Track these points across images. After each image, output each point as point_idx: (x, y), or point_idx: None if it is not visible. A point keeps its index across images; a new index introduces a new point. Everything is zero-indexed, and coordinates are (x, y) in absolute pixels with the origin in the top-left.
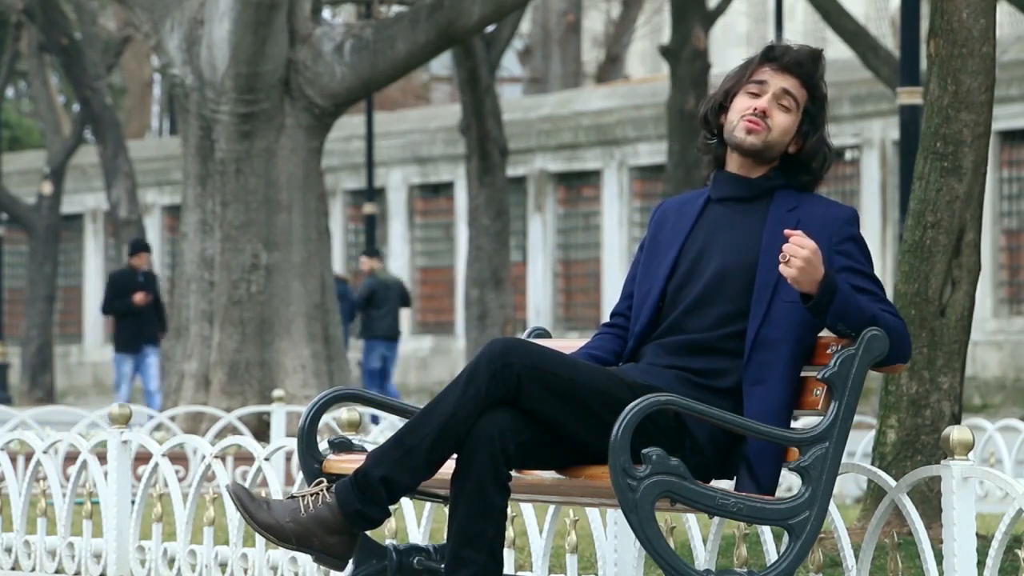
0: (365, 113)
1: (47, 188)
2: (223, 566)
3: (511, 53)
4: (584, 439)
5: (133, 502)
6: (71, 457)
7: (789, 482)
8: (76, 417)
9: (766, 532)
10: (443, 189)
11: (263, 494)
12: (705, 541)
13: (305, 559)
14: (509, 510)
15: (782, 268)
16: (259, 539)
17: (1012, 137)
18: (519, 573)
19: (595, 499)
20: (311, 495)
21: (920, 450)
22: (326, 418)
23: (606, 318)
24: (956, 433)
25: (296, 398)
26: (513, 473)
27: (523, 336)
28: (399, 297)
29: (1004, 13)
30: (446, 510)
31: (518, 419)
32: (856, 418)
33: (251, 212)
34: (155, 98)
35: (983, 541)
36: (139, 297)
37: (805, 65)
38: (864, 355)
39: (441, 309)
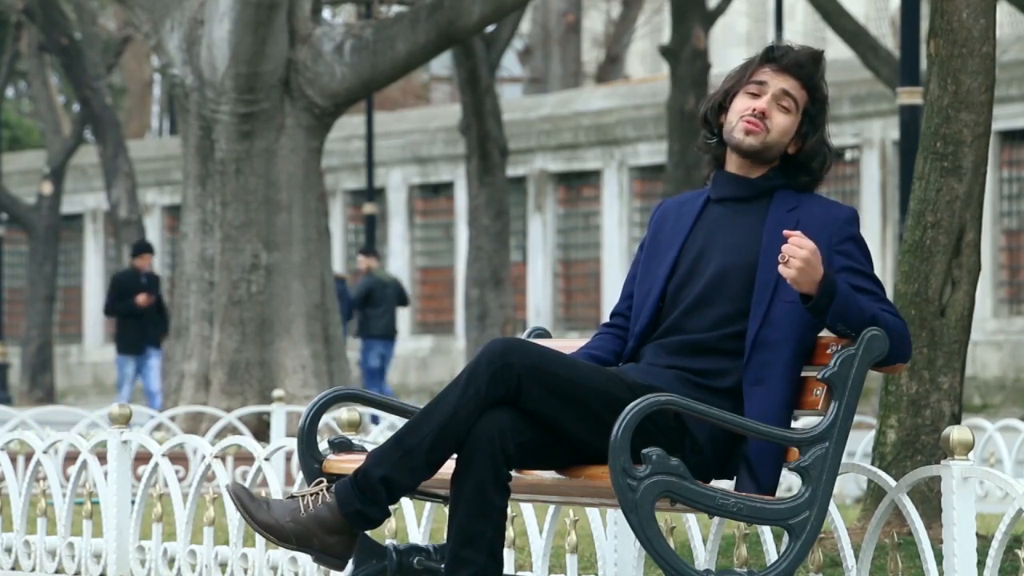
0: (365, 113)
1: (47, 188)
2: (223, 566)
3: (511, 53)
4: (584, 439)
5: (133, 502)
6: (71, 457)
7: (789, 482)
8: (76, 417)
9: (766, 532)
10: (443, 189)
11: (263, 494)
12: (705, 541)
13: (305, 559)
14: (509, 510)
15: (781, 269)
16: (259, 539)
17: (1012, 137)
18: (519, 573)
19: (595, 499)
20: (311, 495)
21: (920, 450)
22: (326, 418)
23: (606, 318)
24: (956, 433)
25: (296, 398)
26: (513, 473)
27: (523, 336)
28: (396, 296)
29: (1004, 13)
30: (446, 510)
31: (518, 419)
32: (856, 418)
33: (251, 212)
34: (155, 98)
35: (983, 541)
36: (142, 299)
37: (805, 66)
38: (864, 355)
39: (441, 309)
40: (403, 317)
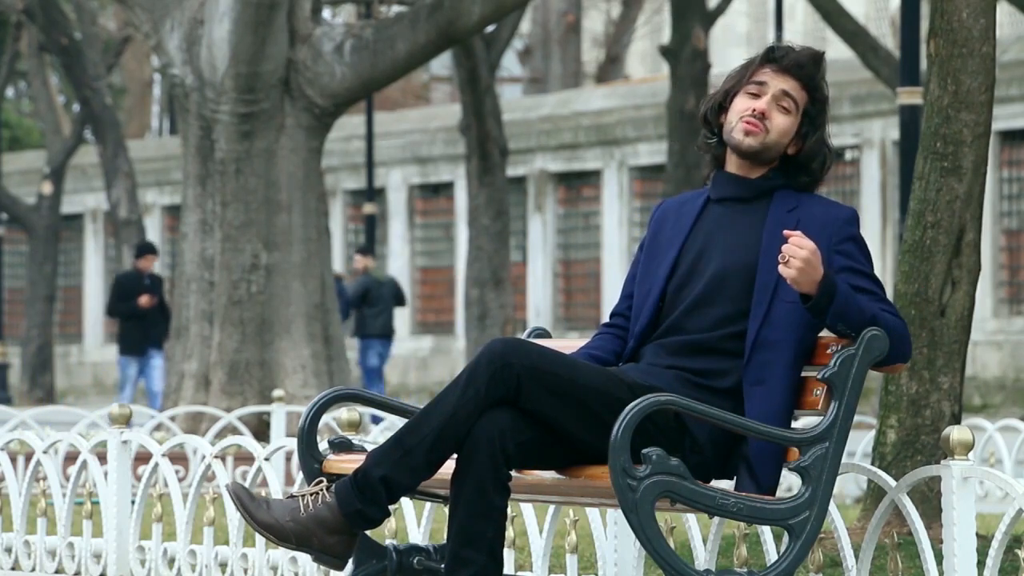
0: (365, 113)
1: (47, 188)
2: (223, 566)
3: (511, 53)
4: (584, 439)
5: (133, 502)
6: (71, 457)
7: (789, 482)
8: (76, 417)
9: (766, 532)
10: (443, 189)
11: (263, 494)
12: (705, 541)
13: (305, 559)
14: (509, 510)
15: (781, 269)
16: (259, 539)
17: (1012, 137)
18: (519, 573)
19: (595, 499)
20: (311, 495)
21: (920, 450)
22: (326, 418)
23: (606, 318)
24: (956, 433)
25: (296, 398)
26: (513, 473)
27: (523, 336)
28: (393, 296)
29: (1004, 13)
30: (446, 510)
31: (518, 419)
32: (856, 418)
33: (251, 212)
34: (155, 98)
35: (983, 541)
36: (144, 300)
37: (806, 67)
38: (864, 355)
39: (441, 309)
40: (403, 317)
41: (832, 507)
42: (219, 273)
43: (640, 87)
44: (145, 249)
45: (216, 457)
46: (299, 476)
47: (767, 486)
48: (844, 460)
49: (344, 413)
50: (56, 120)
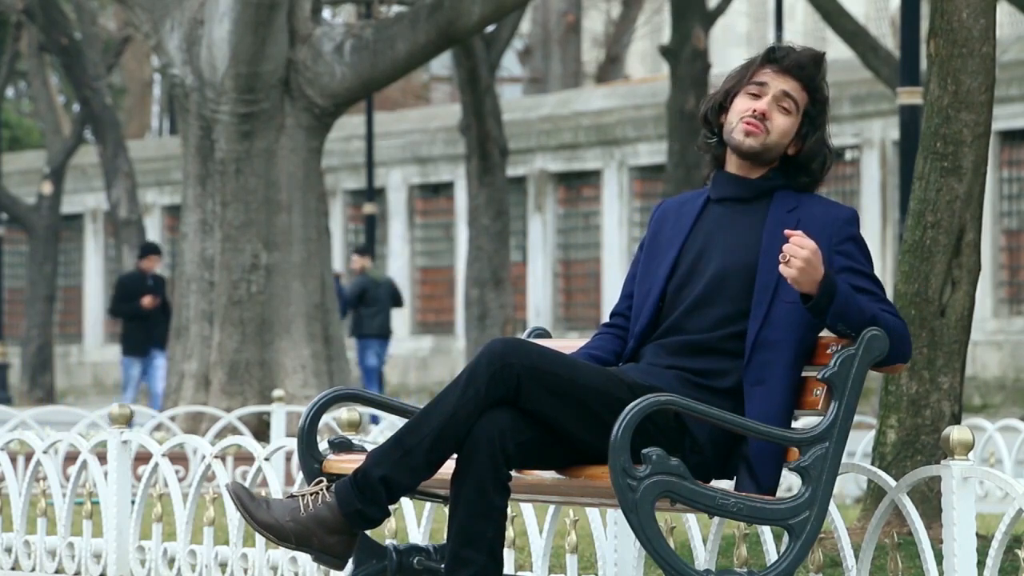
0: (365, 113)
1: (47, 188)
2: (223, 566)
3: (511, 53)
4: (584, 439)
5: (133, 502)
6: (71, 457)
7: (789, 482)
8: (76, 417)
9: (766, 532)
10: (443, 189)
11: (263, 494)
12: (705, 541)
13: (305, 559)
14: (509, 510)
15: (782, 268)
16: (259, 539)
17: (1012, 137)
18: (519, 573)
19: (595, 499)
20: (311, 495)
21: (920, 450)
22: (326, 418)
23: (606, 318)
24: (956, 433)
25: (296, 398)
26: (513, 473)
27: (523, 336)
28: (390, 297)
29: (1004, 13)
30: (446, 510)
31: (518, 419)
32: (856, 418)
33: (251, 212)
34: (155, 98)
35: (983, 541)
36: (147, 301)
37: (806, 67)
38: (864, 355)
39: (441, 309)
40: (403, 317)
41: (832, 507)
42: (219, 273)
43: (640, 87)
44: (148, 249)
45: (216, 457)
46: (299, 476)
47: (767, 486)
48: (844, 460)
49: (344, 413)
50: (56, 120)
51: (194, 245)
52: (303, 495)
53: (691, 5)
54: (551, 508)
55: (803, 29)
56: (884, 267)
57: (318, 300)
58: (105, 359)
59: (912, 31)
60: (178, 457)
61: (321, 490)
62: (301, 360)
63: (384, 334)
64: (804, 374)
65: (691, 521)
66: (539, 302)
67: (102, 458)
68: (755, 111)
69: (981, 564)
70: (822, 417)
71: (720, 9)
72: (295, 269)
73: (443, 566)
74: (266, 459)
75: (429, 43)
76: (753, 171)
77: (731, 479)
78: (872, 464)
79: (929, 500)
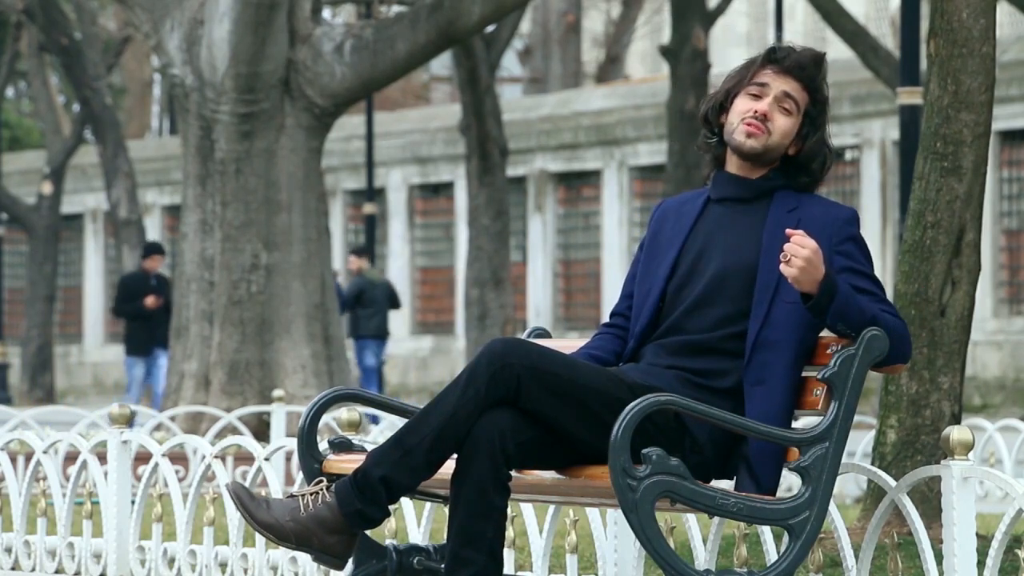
0: (365, 113)
1: (47, 188)
2: (223, 566)
3: (511, 53)
4: (584, 439)
5: (133, 502)
6: (71, 457)
7: (789, 482)
8: (76, 417)
9: (766, 532)
10: (443, 189)
11: (263, 494)
12: (705, 541)
13: (305, 559)
14: (509, 510)
15: (783, 267)
16: (259, 539)
17: (1012, 137)
18: (519, 573)
19: (595, 499)
20: (311, 495)
21: (920, 450)
22: (326, 418)
23: (606, 318)
24: (956, 433)
25: (296, 398)
26: (513, 473)
27: (523, 336)
28: (387, 298)
29: (1004, 13)
30: (446, 510)
31: (518, 419)
32: (856, 418)
33: (251, 212)
34: (155, 98)
35: (983, 541)
36: (150, 300)
37: (807, 68)
38: (864, 355)
39: (441, 309)
40: (403, 317)
41: (832, 507)
42: (219, 273)
43: (640, 87)
44: (152, 249)
45: (216, 457)
46: (299, 476)
47: (767, 486)
48: (844, 460)
49: (344, 413)
50: (56, 120)
51: (194, 245)
52: (303, 495)
53: (691, 5)
54: (551, 508)
55: (803, 29)
56: (884, 267)
57: (318, 300)
58: (105, 359)
59: (912, 31)
60: (178, 457)
61: (321, 490)
62: (301, 360)
63: (381, 335)
64: (804, 374)
65: (691, 521)
66: (539, 302)
67: (102, 458)
68: (756, 112)
69: (981, 564)
70: (822, 417)
71: (720, 9)
72: (295, 269)
73: (443, 566)
74: (266, 459)
75: (429, 43)
76: (753, 171)
77: (731, 479)
78: (872, 464)
79: (929, 500)
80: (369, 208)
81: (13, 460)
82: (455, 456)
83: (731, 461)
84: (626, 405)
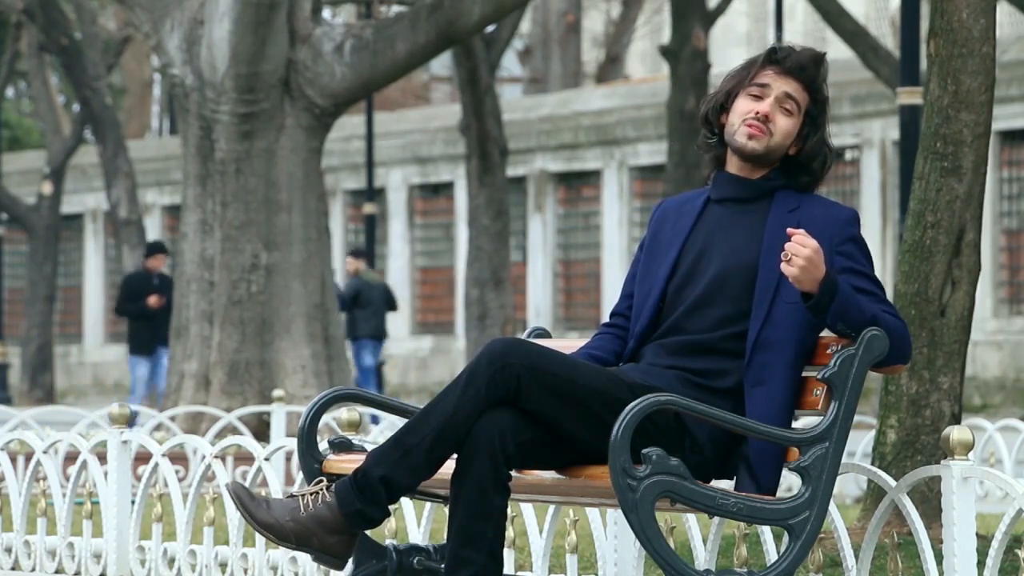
0: (365, 113)
1: (47, 188)
2: (223, 566)
3: (511, 53)
4: (584, 439)
5: (133, 502)
6: (71, 457)
7: (789, 482)
8: (76, 417)
9: (766, 532)
10: (443, 189)
11: (263, 494)
12: (705, 541)
13: (305, 559)
14: (509, 510)
15: (783, 267)
16: (259, 539)
17: (1012, 137)
18: (519, 573)
19: (595, 499)
20: (311, 495)
21: (920, 450)
22: (326, 418)
23: (606, 318)
24: (956, 433)
25: (296, 398)
26: (513, 473)
27: (523, 336)
28: (384, 299)
29: (1004, 13)
30: (446, 510)
31: (518, 419)
32: (856, 418)
33: (251, 212)
34: (155, 98)
35: (983, 541)
36: (153, 300)
37: (808, 68)
38: (864, 355)
39: (441, 309)
40: (403, 317)
41: (832, 507)
42: (219, 273)
43: (640, 87)
44: (155, 248)
45: (216, 457)
46: (299, 476)
47: (767, 486)
48: (844, 460)
49: (344, 413)
50: (56, 120)
51: (194, 245)
52: (303, 495)
53: (691, 5)
54: (551, 508)
55: (803, 29)
56: (884, 267)
57: (318, 300)
58: (105, 359)
59: (912, 31)
60: (178, 457)
61: (321, 490)
62: (301, 360)
63: (378, 336)
64: (804, 374)
65: (691, 521)
66: (539, 302)
67: (102, 458)
68: (758, 113)
69: (981, 564)
70: (822, 417)
71: (720, 9)
72: (295, 269)
73: (443, 566)
74: (266, 459)
75: (429, 43)
76: (754, 172)
77: (731, 479)
78: (872, 464)
79: (929, 500)
80: (369, 208)
81: (13, 460)
82: (455, 456)
83: (731, 461)
84: (626, 405)
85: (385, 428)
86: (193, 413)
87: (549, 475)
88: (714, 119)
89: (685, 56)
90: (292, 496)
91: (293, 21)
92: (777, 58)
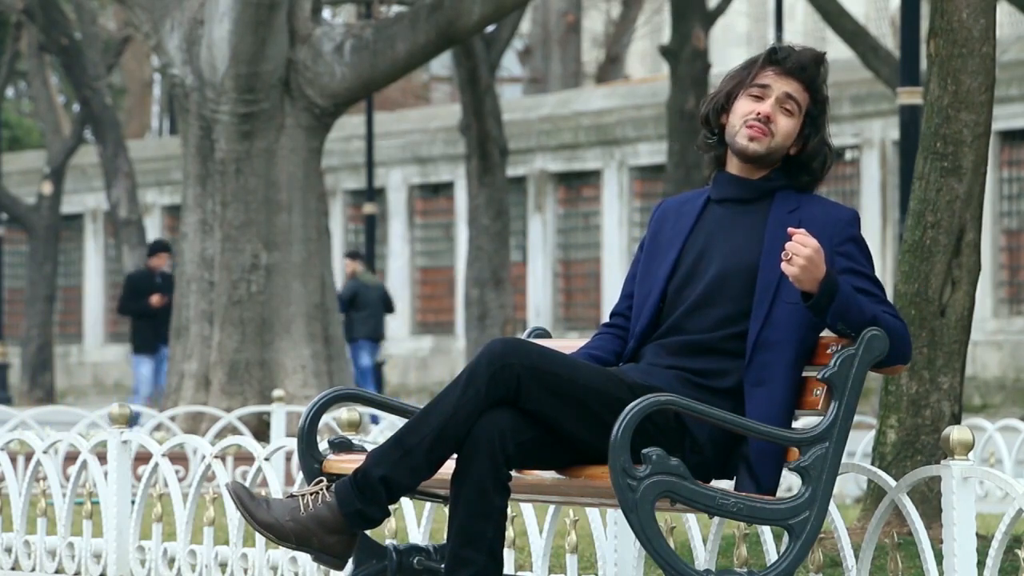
0: (365, 113)
1: (47, 188)
2: (223, 566)
3: (511, 53)
4: (584, 439)
5: (133, 502)
6: (71, 457)
7: (789, 482)
8: (76, 417)
9: (766, 532)
10: (443, 189)
11: (263, 494)
12: (705, 541)
13: (305, 559)
14: (509, 510)
15: (784, 266)
16: (259, 539)
17: (1012, 137)
18: (519, 573)
19: (595, 499)
20: (311, 495)
21: (920, 450)
22: (326, 418)
23: (606, 318)
24: (956, 433)
25: (296, 398)
26: (513, 473)
27: (523, 336)
28: (381, 301)
29: (1004, 13)
30: (446, 510)
31: (518, 419)
32: (856, 418)
33: (251, 212)
34: (155, 98)
35: (983, 541)
36: (155, 299)
37: (808, 69)
38: (864, 355)
39: (441, 309)
40: (403, 317)
41: (832, 507)
42: (219, 273)
43: (640, 87)
44: (158, 247)
45: (216, 457)
46: (299, 476)
47: (767, 486)
48: (844, 460)
49: (344, 413)
50: (56, 120)
51: (194, 245)
52: (303, 495)
53: (691, 5)
54: (551, 508)
55: (803, 29)
56: (884, 267)
57: (318, 300)
58: (105, 359)
59: (912, 31)
60: (178, 457)
61: (321, 490)
62: (301, 360)
63: (376, 337)
64: (804, 374)
65: (691, 521)
66: (539, 302)
67: (102, 458)
68: (759, 114)
69: (981, 564)
70: (822, 417)
71: (720, 9)
72: (295, 269)
73: (443, 566)
74: (266, 459)
75: (429, 43)
76: (755, 172)
77: (731, 479)
78: (872, 464)
79: (929, 500)
80: (369, 208)
81: (13, 460)
82: (455, 456)
83: (731, 461)
84: (626, 405)
85: (385, 428)
86: (193, 413)
87: (549, 475)
88: (714, 119)
89: (685, 56)
90: (292, 496)
91: (293, 21)
92: (777, 58)
